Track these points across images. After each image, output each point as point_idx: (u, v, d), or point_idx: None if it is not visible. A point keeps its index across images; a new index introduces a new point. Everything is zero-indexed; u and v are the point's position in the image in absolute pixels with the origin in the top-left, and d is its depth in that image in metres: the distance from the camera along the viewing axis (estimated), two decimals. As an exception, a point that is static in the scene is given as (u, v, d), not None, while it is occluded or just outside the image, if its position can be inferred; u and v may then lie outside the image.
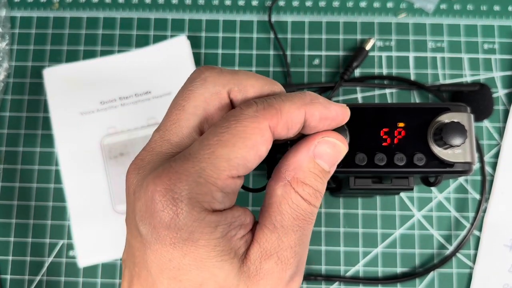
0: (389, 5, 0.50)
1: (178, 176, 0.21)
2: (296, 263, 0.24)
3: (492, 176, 0.46)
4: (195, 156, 0.22)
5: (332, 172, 0.25)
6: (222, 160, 0.22)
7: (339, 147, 0.25)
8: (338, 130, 0.30)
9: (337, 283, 0.45)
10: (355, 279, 0.45)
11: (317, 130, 0.25)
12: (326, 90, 0.47)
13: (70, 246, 0.45)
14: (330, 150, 0.25)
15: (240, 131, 0.22)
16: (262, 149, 0.23)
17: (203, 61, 0.48)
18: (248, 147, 0.22)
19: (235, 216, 0.23)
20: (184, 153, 0.23)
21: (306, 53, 0.49)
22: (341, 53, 0.49)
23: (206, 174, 0.22)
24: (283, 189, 0.24)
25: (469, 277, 0.45)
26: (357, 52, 0.47)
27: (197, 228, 0.21)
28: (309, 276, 0.44)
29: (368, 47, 0.47)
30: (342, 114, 0.26)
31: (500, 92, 0.48)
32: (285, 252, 0.23)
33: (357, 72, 0.48)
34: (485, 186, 0.46)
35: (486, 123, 0.47)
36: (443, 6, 0.50)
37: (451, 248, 0.45)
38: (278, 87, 0.26)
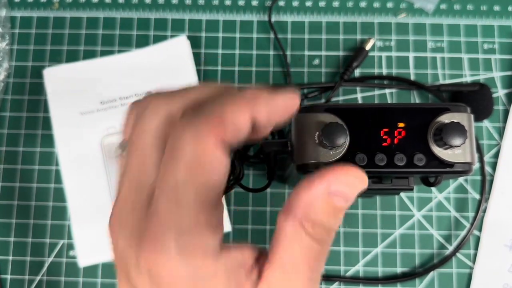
0: (389, 5, 0.50)
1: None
2: None
3: (492, 176, 0.46)
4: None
5: (349, 205, 0.23)
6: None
7: (357, 186, 0.22)
8: (338, 130, 0.30)
9: (337, 283, 0.45)
10: (355, 279, 0.45)
11: (271, 125, 0.23)
12: (326, 90, 0.47)
13: (70, 246, 0.45)
14: (347, 189, 0.22)
15: (191, 163, 0.20)
16: (222, 169, 0.21)
17: (203, 61, 0.48)
18: (207, 174, 0.20)
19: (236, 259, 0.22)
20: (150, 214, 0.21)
21: (306, 53, 0.49)
22: (341, 53, 0.49)
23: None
24: (293, 228, 0.22)
25: (469, 277, 0.45)
26: (357, 52, 0.47)
27: None
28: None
29: (368, 47, 0.47)
30: (291, 103, 0.23)
31: (500, 92, 0.48)
32: None
33: (357, 72, 0.48)
34: (485, 186, 0.46)
35: (486, 123, 0.47)
36: (443, 6, 0.50)
37: (451, 248, 0.45)
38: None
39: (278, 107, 0.23)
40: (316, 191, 0.22)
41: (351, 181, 0.22)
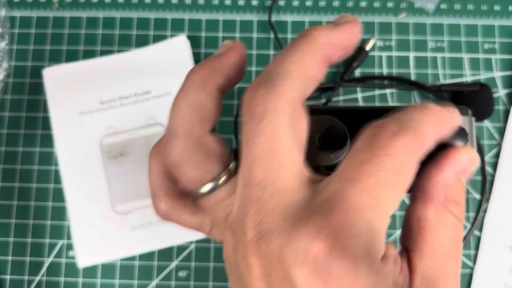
0: (389, 5, 0.50)
1: (347, 232, 0.18)
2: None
3: (493, 176, 0.46)
4: (355, 205, 0.19)
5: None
6: (388, 206, 0.20)
7: (476, 161, 0.24)
8: (338, 133, 0.30)
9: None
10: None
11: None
12: (326, 90, 0.47)
13: (69, 247, 0.45)
14: (470, 166, 0.24)
15: (398, 168, 0.20)
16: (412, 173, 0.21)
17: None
18: (407, 183, 0.20)
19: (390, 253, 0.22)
20: (333, 199, 0.20)
21: (306, 53, 0.49)
22: (341, 53, 0.49)
23: (376, 226, 0.20)
24: (436, 212, 0.22)
25: (470, 277, 0.45)
26: (357, 52, 0.47)
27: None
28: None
29: (368, 47, 0.47)
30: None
31: (500, 92, 0.48)
32: (451, 280, 0.22)
33: (357, 72, 0.48)
34: (485, 186, 0.46)
35: (486, 123, 0.47)
36: (443, 6, 0.49)
37: (451, 249, 0.45)
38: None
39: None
40: (448, 172, 0.23)
41: (471, 158, 0.24)
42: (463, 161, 0.23)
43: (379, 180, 0.20)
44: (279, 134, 0.21)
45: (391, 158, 0.20)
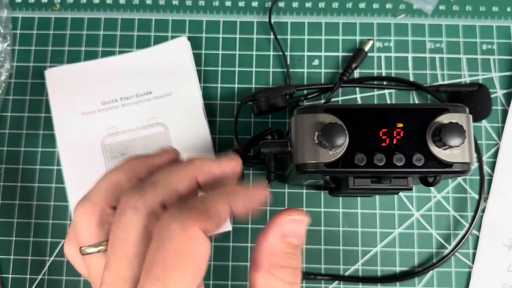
0: (388, 6, 0.50)
1: None
2: None
3: (491, 175, 0.47)
4: None
5: (303, 243, 0.26)
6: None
7: (303, 221, 0.26)
8: (337, 130, 0.30)
9: (336, 282, 0.45)
10: (354, 278, 0.45)
11: (247, 213, 0.26)
12: (326, 91, 0.48)
13: (71, 246, 0.46)
14: (296, 227, 0.26)
15: (179, 250, 0.23)
16: (206, 255, 0.24)
17: (204, 61, 0.49)
18: (194, 260, 0.23)
19: None
20: None
21: (306, 53, 0.49)
22: (340, 53, 0.49)
23: None
24: (264, 278, 0.24)
25: (468, 276, 0.45)
26: (356, 53, 0.47)
27: None
28: (308, 275, 0.45)
29: (367, 48, 0.47)
30: (263, 195, 0.27)
31: (498, 93, 0.48)
32: None
33: (356, 73, 0.48)
34: (483, 186, 0.46)
35: (484, 123, 0.47)
36: (442, 7, 0.50)
37: (450, 248, 0.46)
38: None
39: (254, 201, 0.27)
40: (272, 237, 0.25)
41: (296, 219, 0.25)
42: (288, 224, 0.25)
43: (164, 265, 0.22)
44: (131, 227, 0.25)
45: (171, 242, 0.23)
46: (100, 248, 0.27)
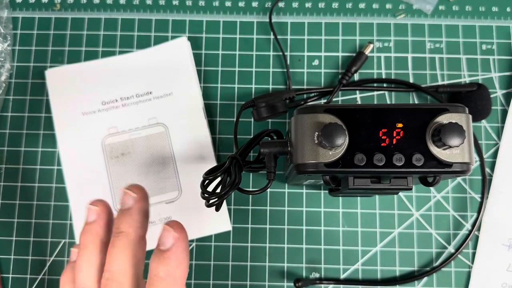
0: (388, 6, 0.50)
1: None
2: None
3: (491, 175, 0.47)
4: None
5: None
6: None
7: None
8: (337, 130, 0.30)
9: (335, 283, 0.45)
10: (354, 281, 0.45)
11: None
12: (325, 94, 0.48)
13: (71, 245, 0.45)
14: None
15: None
16: None
17: (204, 61, 0.49)
18: None
19: None
20: None
21: (306, 54, 0.49)
22: (340, 54, 0.49)
23: None
24: None
25: (468, 276, 0.45)
26: (356, 56, 0.47)
27: None
28: (307, 280, 0.45)
29: (367, 51, 0.47)
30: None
31: (498, 93, 0.48)
32: None
33: (356, 73, 0.48)
34: (485, 186, 0.46)
35: (484, 123, 0.48)
36: (441, 7, 0.50)
37: (449, 248, 0.46)
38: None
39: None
40: None
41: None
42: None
43: None
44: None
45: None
46: None
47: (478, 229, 0.46)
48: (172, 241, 0.30)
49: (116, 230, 0.30)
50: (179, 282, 0.30)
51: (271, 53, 0.49)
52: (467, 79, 0.48)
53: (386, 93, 0.48)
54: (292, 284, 0.45)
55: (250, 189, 0.44)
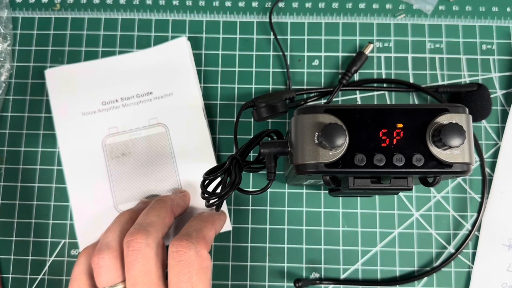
0: (388, 6, 0.50)
1: None
2: None
3: (491, 175, 0.47)
4: None
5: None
6: None
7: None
8: (337, 130, 0.30)
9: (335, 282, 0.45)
10: (354, 281, 0.45)
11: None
12: (325, 94, 0.48)
13: (71, 245, 0.46)
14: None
15: (199, 269, 0.34)
16: (212, 265, 0.37)
17: (204, 61, 0.49)
18: (209, 272, 0.35)
19: None
20: None
21: (306, 54, 0.49)
22: (340, 54, 0.49)
23: None
24: None
25: (468, 276, 0.45)
26: (356, 56, 0.47)
27: None
28: (307, 281, 0.45)
29: (367, 51, 0.47)
30: (225, 218, 0.42)
31: (498, 93, 0.48)
32: None
33: (356, 73, 0.48)
34: (486, 186, 0.46)
35: (484, 123, 0.48)
36: (441, 7, 0.50)
37: (449, 248, 0.46)
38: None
39: (222, 224, 0.41)
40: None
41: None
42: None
43: (192, 282, 0.33)
44: (150, 259, 0.34)
45: (192, 265, 0.34)
46: (120, 286, 0.35)
47: (478, 229, 0.46)
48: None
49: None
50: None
51: (271, 53, 0.49)
52: (467, 79, 0.48)
53: (386, 93, 0.48)
54: (292, 284, 0.45)
55: (250, 189, 0.45)
